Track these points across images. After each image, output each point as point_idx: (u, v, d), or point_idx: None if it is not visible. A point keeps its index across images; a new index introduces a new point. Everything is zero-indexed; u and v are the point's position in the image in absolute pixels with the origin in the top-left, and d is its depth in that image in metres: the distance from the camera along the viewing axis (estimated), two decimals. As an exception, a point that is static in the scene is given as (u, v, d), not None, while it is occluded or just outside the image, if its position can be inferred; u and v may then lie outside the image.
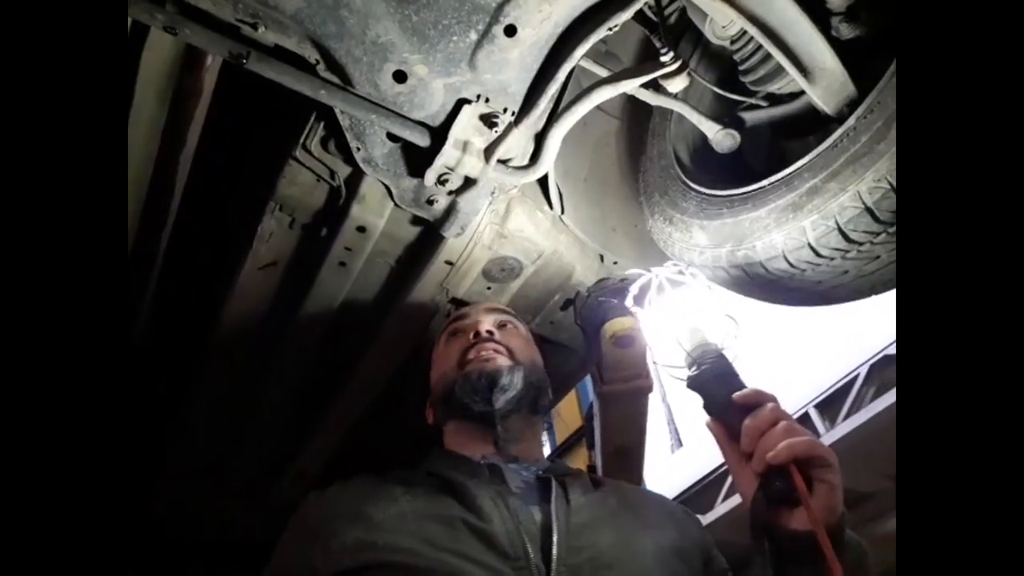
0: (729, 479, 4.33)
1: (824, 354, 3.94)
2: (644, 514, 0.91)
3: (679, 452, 4.82)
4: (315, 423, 1.61)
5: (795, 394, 3.96)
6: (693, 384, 0.81)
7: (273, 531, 0.93)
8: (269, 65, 0.91)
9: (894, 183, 0.76)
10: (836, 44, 0.91)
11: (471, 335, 1.07)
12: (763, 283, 0.97)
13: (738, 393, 0.74)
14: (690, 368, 0.81)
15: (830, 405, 3.75)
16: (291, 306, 1.29)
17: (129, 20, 0.88)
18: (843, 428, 3.56)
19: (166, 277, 1.28)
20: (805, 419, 3.87)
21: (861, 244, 0.83)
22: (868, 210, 0.79)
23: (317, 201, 1.17)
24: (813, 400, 3.87)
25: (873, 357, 3.61)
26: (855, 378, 3.66)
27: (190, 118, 1.05)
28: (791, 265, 0.90)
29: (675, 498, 4.64)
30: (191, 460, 1.67)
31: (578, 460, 2.77)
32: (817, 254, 0.86)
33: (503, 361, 1.02)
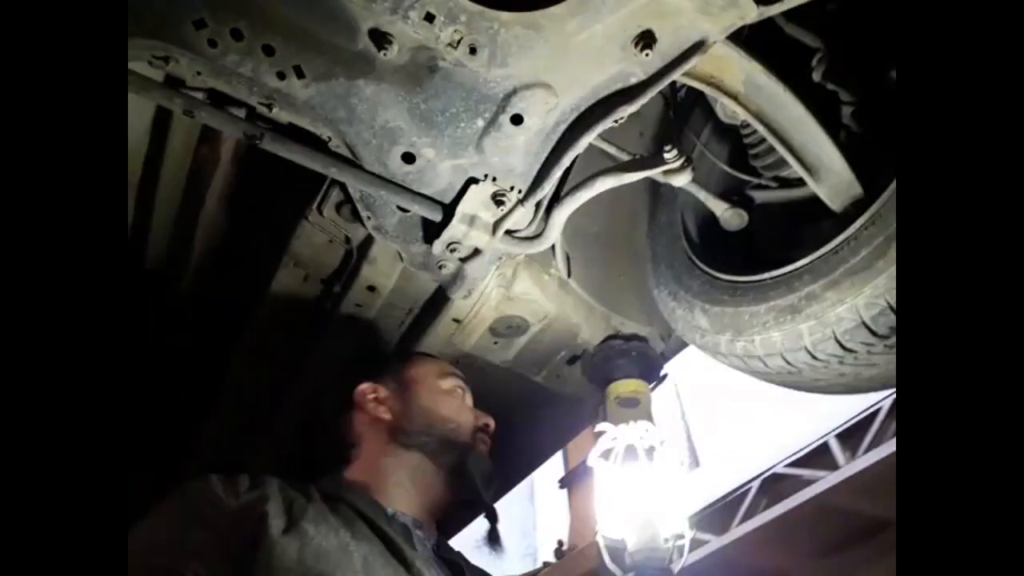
0: (747, 501, 4.30)
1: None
2: None
3: (696, 471, 4.79)
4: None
5: (817, 425, 3.92)
6: None
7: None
8: (282, 144, 0.94)
9: (892, 303, 0.76)
10: (846, 142, 0.91)
11: (484, 422, 1.13)
12: (761, 374, 0.97)
13: None
14: (626, 572, 0.78)
15: (851, 437, 3.70)
16: (301, 355, 1.33)
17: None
18: (865, 460, 3.51)
19: (183, 316, 1.34)
20: (824, 448, 3.82)
21: (857, 353, 0.83)
22: (864, 324, 0.79)
23: (330, 260, 1.20)
24: (834, 431, 3.82)
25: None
26: (878, 411, 3.59)
27: (208, 183, 1.09)
28: (788, 363, 0.90)
29: (691, 516, 4.62)
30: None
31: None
32: (813, 357, 0.86)
33: None
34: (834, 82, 0.92)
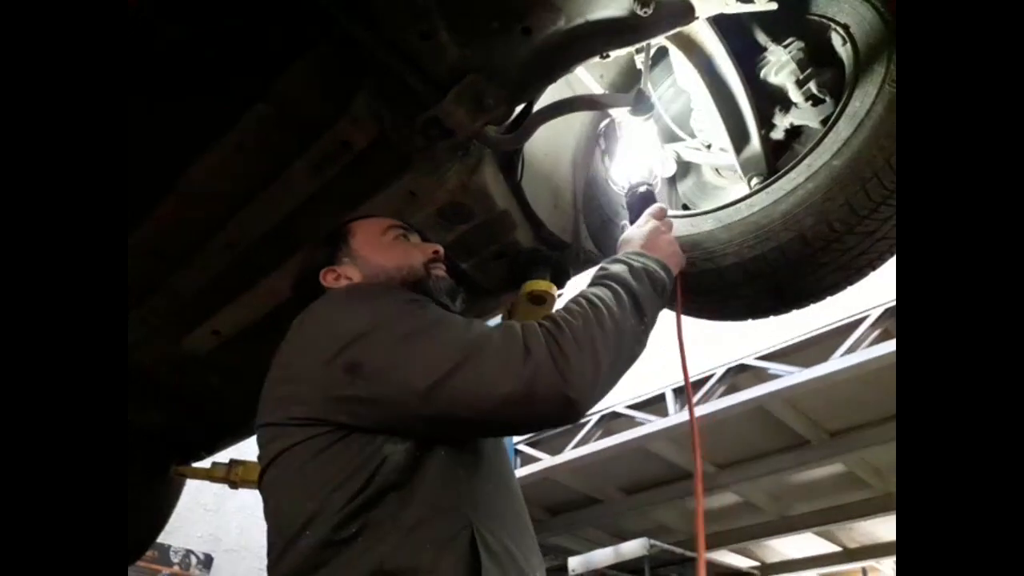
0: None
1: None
2: None
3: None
4: (242, 292, 1.72)
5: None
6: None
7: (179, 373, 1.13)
8: None
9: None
10: (769, 128, 1.16)
11: (431, 251, 1.26)
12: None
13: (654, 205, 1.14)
14: (629, 190, 1.23)
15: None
16: (258, 186, 1.42)
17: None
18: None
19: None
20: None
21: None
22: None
23: (311, 109, 1.29)
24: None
25: (887, 302, 3.99)
26: (864, 318, 4.00)
27: None
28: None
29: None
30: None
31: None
32: None
33: None
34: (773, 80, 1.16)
